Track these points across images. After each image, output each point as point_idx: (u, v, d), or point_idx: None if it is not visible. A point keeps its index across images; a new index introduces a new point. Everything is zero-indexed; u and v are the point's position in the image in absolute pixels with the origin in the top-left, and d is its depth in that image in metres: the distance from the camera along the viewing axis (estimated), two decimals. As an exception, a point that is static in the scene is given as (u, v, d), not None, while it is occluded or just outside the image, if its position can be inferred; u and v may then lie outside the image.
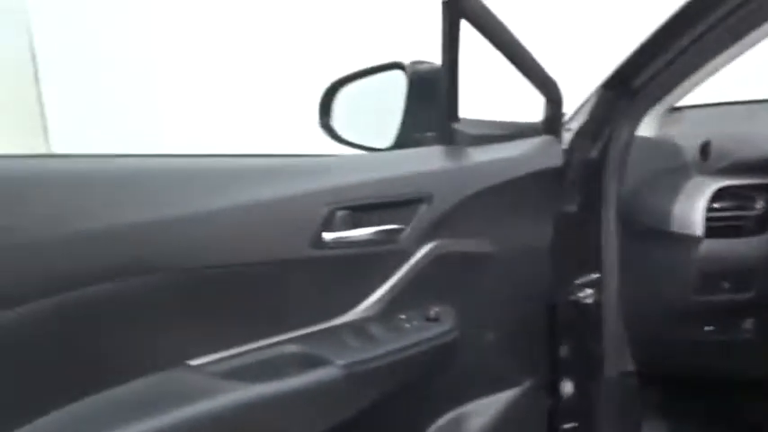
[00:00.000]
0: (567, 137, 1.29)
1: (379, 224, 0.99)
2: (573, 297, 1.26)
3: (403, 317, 1.02)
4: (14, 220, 0.75)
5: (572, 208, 1.26)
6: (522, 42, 1.06)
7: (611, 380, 1.25)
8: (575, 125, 1.29)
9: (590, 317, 1.25)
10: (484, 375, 1.16)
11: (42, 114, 3.59)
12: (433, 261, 1.04)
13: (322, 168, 0.97)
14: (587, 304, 1.24)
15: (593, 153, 1.25)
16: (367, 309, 1.01)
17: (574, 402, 1.27)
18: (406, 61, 1.17)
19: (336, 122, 1.31)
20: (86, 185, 0.82)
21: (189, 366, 0.88)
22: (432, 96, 1.11)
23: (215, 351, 0.90)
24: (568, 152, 1.27)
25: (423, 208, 1.00)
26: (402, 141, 1.18)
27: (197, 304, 0.88)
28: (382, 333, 0.98)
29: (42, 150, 3.73)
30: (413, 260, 1.03)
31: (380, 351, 0.96)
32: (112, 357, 0.83)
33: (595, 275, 1.26)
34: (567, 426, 1.27)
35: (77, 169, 0.84)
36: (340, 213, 0.95)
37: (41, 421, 0.77)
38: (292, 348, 0.94)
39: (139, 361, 0.85)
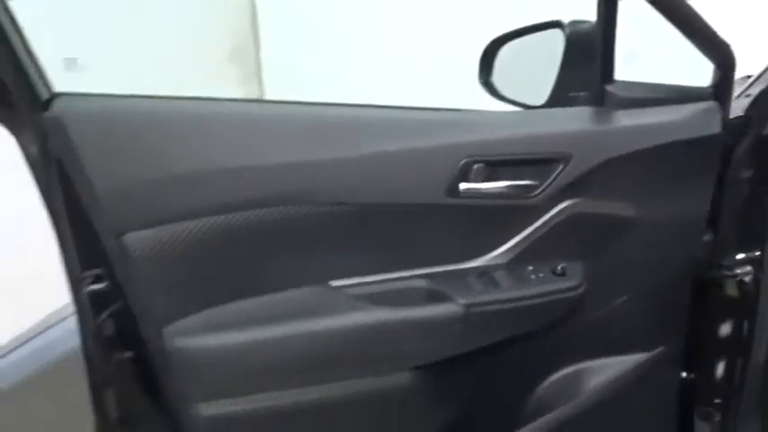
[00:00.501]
0: (745, 102, 1.21)
1: (514, 179, 1.04)
2: (729, 272, 1.20)
3: (530, 268, 1.07)
4: (214, 151, 0.94)
5: (742, 179, 1.19)
6: (687, 1, 1.02)
7: (757, 364, 1.18)
8: (755, 90, 1.20)
9: (745, 295, 1.19)
10: (610, 336, 1.17)
11: (258, 63, 4.02)
12: (567, 219, 1.06)
13: (464, 123, 1.04)
14: (744, 282, 1.18)
15: None
16: (495, 258, 1.07)
17: (712, 382, 1.23)
18: (566, 20, 1.17)
19: (496, 79, 1.35)
20: (260, 127, 0.98)
21: (330, 286, 1.02)
22: (588, 56, 1.11)
23: (353, 276, 1.03)
24: (744, 119, 1.20)
25: (560, 167, 1.03)
26: (556, 100, 1.19)
27: (343, 235, 1.01)
28: (506, 281, 1.05)
29: (257, 96, 4.20)
30: (546, 216, 1.06)
31: (501, 296, 1.02)
32: (273, 269, 1.00)
33: (757, 253, 1.19)
34: (701, 406, 1.23)
35: (258, 113, 1.00)
36: (476, 166, 1.01)
37: (218, 311, 0.97)
38: (421, 283, 1.04)
39: (293, 275, 1.01)
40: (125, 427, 1.07)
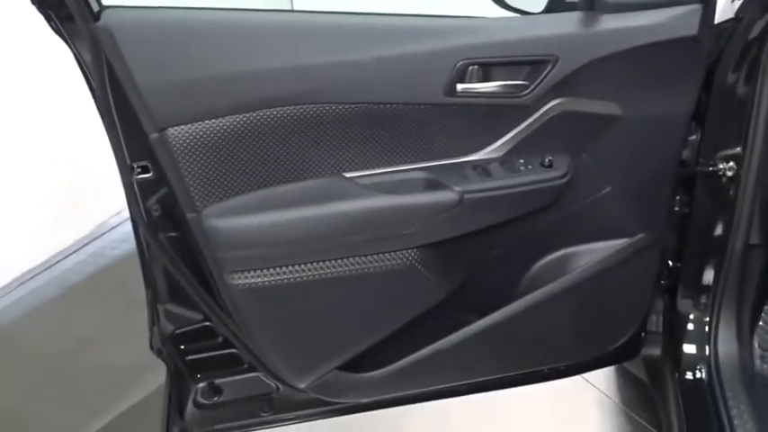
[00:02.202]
0: (737, 4, 1.27)
1: (506, 80, 1.15)
2: (713, 168, 1.30)
3: (521, 161, 1.20)
4: (239, 55, 1.07)
5: (729, 81, 1.28)
6: None
7: (737, 252, 1.30)
8: None
9: (725, 189, 1.29)
10: (596, 223, 1.31)
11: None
12: (555, 117, 1.18)
13: (460, 28, 1.14)
14: (726, 176, 1.28)
15: (760, 23, 1.23)
16: (489, 152, 1.21)
17: (693, 267, 1.36)
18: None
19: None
20: (279, 35, 1.10)
21: (344, 177, 1.18)
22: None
23: (363, 169, 1.18)
24: (733, 22, 1.27)
25: (547, 68, 1.13)
26: (553, 6, 1.28)
27: (353, 131, 1.15)
28: (499, 172, 1.18)
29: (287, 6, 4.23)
30: (535, 114, 1.18)
31: (493, 185, 1.17)
32: (293, 162, 1.15)
33: (738, 149, 1.28)
34: (685, 288, 1.37)
35: (278, 22, 1.12)
36: (472, 68, 1.13)
37: (247, 196, 1.14)
38: (422, 174, 1.19)
39: (311, 167, 1.17)
40: (173, 297, 1.27)
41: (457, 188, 1.15)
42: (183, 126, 1.06)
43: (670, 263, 1.43)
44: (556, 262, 1.34)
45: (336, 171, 1.18)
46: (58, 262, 2.89)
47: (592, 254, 1.33)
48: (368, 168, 1.19)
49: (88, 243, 3.00)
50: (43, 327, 2.44)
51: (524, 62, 1.15)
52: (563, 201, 1.25)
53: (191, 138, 1.07)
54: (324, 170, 1.17)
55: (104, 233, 3.02)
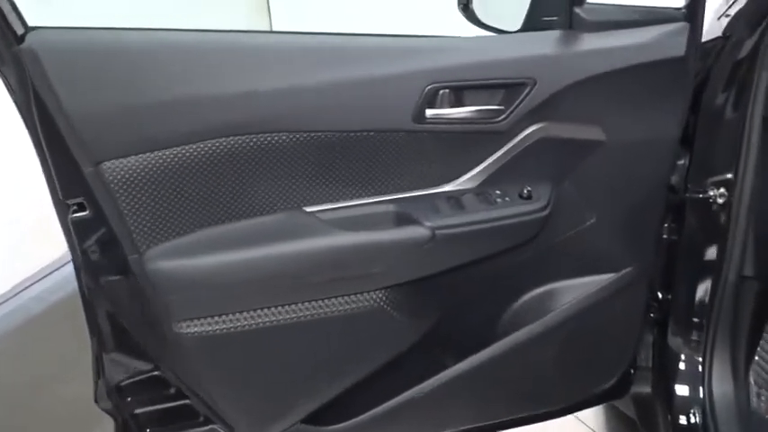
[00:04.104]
0: (724, 23, 1.20)
1: (480, 104, 1.06)
2: (703, 194, 1.22)
3: (497, 192, 1.10)
4: (185, 79, 0.96)
5: (718, 102, 1.20)
6: None
7: (729, 283, 1.22)
8: (734, 11, 1.19)
9: (716, 217, 1.21)
10: (579, 257, 1.22)
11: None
12: (534, 144, 1.09)
13: (429, 49, 1.05)
14: (717, 203, 1.20)
15: (749, 42, 1.16)
16: (463, 183, 1.11)
17: (683, 300, 1.27)
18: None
19: (476, 5, 1.34)
20: (232, 57, 1.00)
21: (304, 211, 1.07)
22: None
23: (325, 202, 1.08)
24: (721, 41, 1.19)
25: (525, 91, 1.04)
26: (530, 25, 1.19)
27: (315, 161, 1.05)
28: (473, 204, 1.09)
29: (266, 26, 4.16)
30: (512, 141, 1.09)
31: (467, 219, 1.07)
32: (249, 195, 1.05)
33: (729, 175, 1.20)
34: (675, 324, 1.28)
35: (230, 43, 1.02)
36: (442, 92, 1.04)
37: (196, 234, 1.03)
38: (390, 208, 1.09)
39: (268, 201, 1.06)
40: (119, 346, 1.16)
41: (428, 223, 1.06)
42: (121, 159, 0.95)
43: (659, 294, 1.34)
44: (538, 299, 1.24)
45: (295, 205, 1.07)
46: (22, 290, 2.75)
47: (576, 290, 1.23)
48: (330, 202, 1.08)
49: (54, 270, 2.87)
50: (3, 357, 2.30)
51: (499, 85, 1.06)
52: (544, 234, 1.15)
53: (130, 172, 0.96)
54: (281, 204, 1.07)
55: (71, 260, 2.89)
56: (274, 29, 4.19)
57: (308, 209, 1.08)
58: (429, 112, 1.04)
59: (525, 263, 1.20)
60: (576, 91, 1.06)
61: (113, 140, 0.95)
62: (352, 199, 1.09)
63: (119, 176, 0.96)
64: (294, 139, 1.02)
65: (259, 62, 1.00)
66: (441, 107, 1.05)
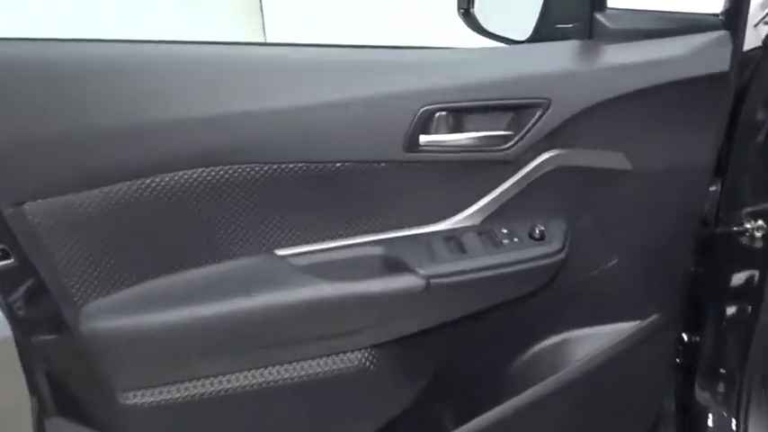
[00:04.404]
0: (763, 31, 1.03)
1: (483, 130, 0.89)
2: (738, 227, 1.05)
3: (504, 231, 0.93)
4: (137, 100, 0.80)
5: (757, 121, 1.03)
6: None
7: (765, 328, 1.05)
8: None
9: (752, 252, 1.05)
10: (598, 303, 1.05)
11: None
12: (547, 174, 0.93)
13: (423, 63, 0.88)
14: (755, 237, 1.04)
15: None
16: (464, 220, 0.94)
17: (716, 349, 1.10)
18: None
19: (478, 10, 1.18)
20: (182, 72, 0.83)
21: (275, 255, 0.90)
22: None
23: (301, 243, 0.91)
24: (762, 51, 1.03)
25: (537, 114, 0.88)
26: (542, 34, 1.03)
27: (287, 198, 0.89)
28: (476, 246, 0.92)
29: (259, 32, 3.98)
30: (522, 172, 0.92)
31: (469, 265, 0.90)
32: (206, 239, 0.88)
33: None
34: (703, 377, 1.11)
35: (179, 55, 0.86)
36: (439, 115, 0.87)
37: (143, 286, 0.86)
38: (377, 251, 0.92)
39: (230, 245, 0.89)
40: (61, 409, 0.98)
41: (422, 270, 0.89)
42: (49, 199, 0.78)
43: (685, 336, 1.17)
44: (550, 351, 1.07)
45: (265, 248, 0.90)
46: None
47: (595, 340, 1.07)
48: (306, 243, 0.92)
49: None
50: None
51: (507, 107, 0.89)
52: (558, 277, 0.98)
53: (62, 212, 0.79)
54: (248, 248, 0.90)
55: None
56: (268, 31, 4.02)
57: (281, 252, 0.91)
58: (423, 139, 0.87)
59: (536, 309, 1.03)
60: (598, 113, 0.89)
61: (39, 176, 0.78)
62: (332, 240, 0.92)
63: (47, 219, 0.79)
64: (262, 172, 0.85)
65: (219, 80, 0.83)
66: (437, 133, 0.88)
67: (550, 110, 0.88)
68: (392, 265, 0.91)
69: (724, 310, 1.10)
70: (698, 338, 1.15)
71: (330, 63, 0.87)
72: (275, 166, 0.86)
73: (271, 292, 0.88)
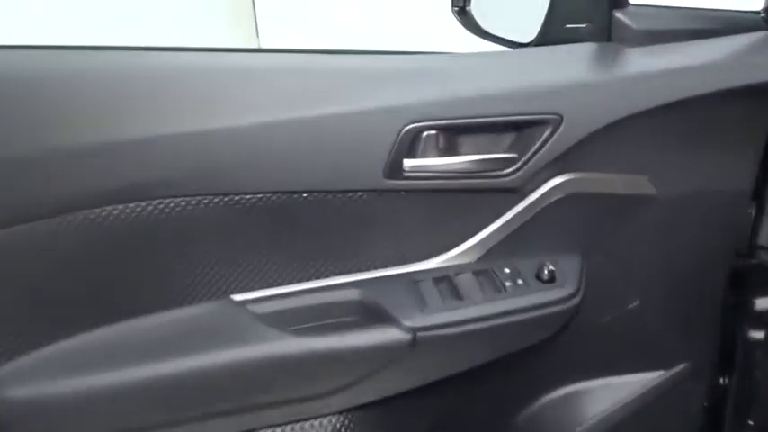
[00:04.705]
0: None
1: (481, 152, 0.74)
2: None
3: (506, 271, 0.78)
4: (54, 121, 0.65)
5: None
6: None
7: None
8: None
9: None
10: (617, 350, 0.90)
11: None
12: (558, 203, 0.77)
13: (407, 72, 0.73)
14: None
15: None
16: (458, 257, 0.79)
17: (747, 396, 0.95)
18: None
19: (475, 7, 1.02)
20: (120, 83, 0.68)
21: (232, 301, 0.75)
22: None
23: (263, 287, 0.76)
24: None
25: (546, 132, 0.73)
26: (551, 35, 0.87)
27: (246, 232, 0.73)
28: (473, 290, 0.76)
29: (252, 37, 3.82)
30: (528, 200, 0.77)
31: (466, 314, 0.75)
32: (145, 282, 0.73)
33: None
34: (732, 428, 0.96)
35: (116, 63, 0.71)
36: (426, 134, 0.72)
37: (62, 344, 0.71)
38: (353, 295, 0.76)
39: (177, 289, 0.74)
40: None
41: (407, 321, 0.73)
42: None
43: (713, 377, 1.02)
44: (561, 406, 0.92)
45: (219, 293, 0.75)
46: None
47: (612, 392, 0.92)
48: (269, 286, 0.76)
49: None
50: None
51: (510, 125, 0.74)
52: (572, 322, 0.83)
53: None
54: (199, 293, 0.74)
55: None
56: (261, 34, 3.87)
57: (238, 297, 0.76)
58: (408, 164, 0.72)
59: (544, 357, 0.88)
60: (619, 131, 0.74)
61: None
62: (299, 283, 0.77)
63: None
64: (212, 205, 0.70)
65: (157, 93, 0.68)
66: (424, 156, 0.73)
67: (562, 128, 0.72)
68: (371, 314, 0.76)
69: (758, 352, 0.95)
70: (727, 381, 1.00)
71: (293, 71, 0.72)
72: (228, 198, 0.70)
73: (226, 347, 0.73)
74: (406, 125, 0.70)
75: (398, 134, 0.70)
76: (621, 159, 0.78)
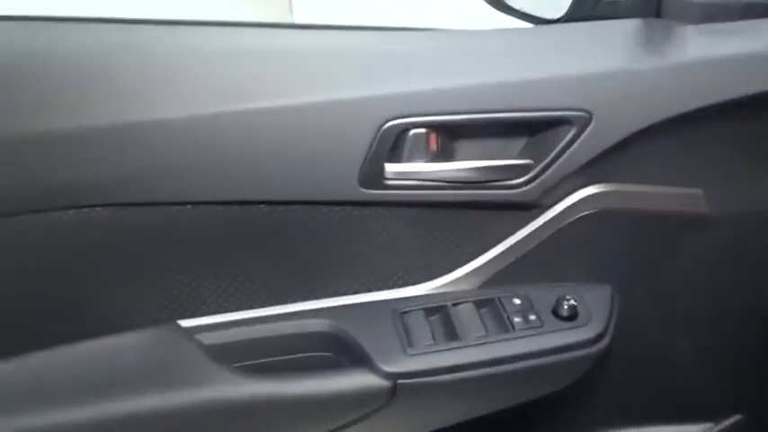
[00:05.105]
0: None
1: (486, 157, 0.59)
2: None
3: (516, 302, 0.63)
4: None
5: None
6: None
7: None
8: None
9: None
10: (655, 397, 0.74)
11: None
12: (584, 221, 0.62)
13: (391, 55, 0.58)
14: None
15: None
16: (454, 283, 0.64)
17: None
18: None
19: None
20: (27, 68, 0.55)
21: (179, 328, 0.62)
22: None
23: (215, 312, 0.63)
24: None
25: (571, 134, 0.57)
26: (584, 9, 0.71)
27: (195, 247, 0.60)
28: (473, 327, 0.62)
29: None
30: (546, 217, 0.62)
31: (461, 358, 0.60)
32: (67, 305, 0.60)
33: None
34: None
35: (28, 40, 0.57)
36: (414, 133, 0.56)
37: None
38: (321, 326, 0.62)
39: (120, 313, 0.61)
40: None
41: (386, 365, 0.59)
42: None
43: None
44: None
45: (163, 316, 0.62)
46: None
47: None
48: (223, 311, 0.63)
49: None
50: None
51: (525, 123, 0.58)
52: (602, 365, 0.67)
53: None
54: (137, 317, 0.62)
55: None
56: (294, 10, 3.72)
57: (186, 323, 0.63)
58: (390, 169, 0.57)
59: (564, 404, 0.73)
60: (665, 133, 0.58)
61: None
62: (258, 308, 0.63)
63: None
64: (160, 212, 0.57)
65: (67, 76, 0.55)
66: (411, 160, 0.58)
67: (591, 128, 0.56)
68: (342, 351, 0.62)
69: None
70: None
71: (243, 50, 0.57)
72: (170, 208, 0.57)
73: (166, 384, 0.60)
74: (388, 120, 0.55)
75: (377, 132, 0.55)
76: (667, 169, 0.62)
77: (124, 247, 0.59)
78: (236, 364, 0.62)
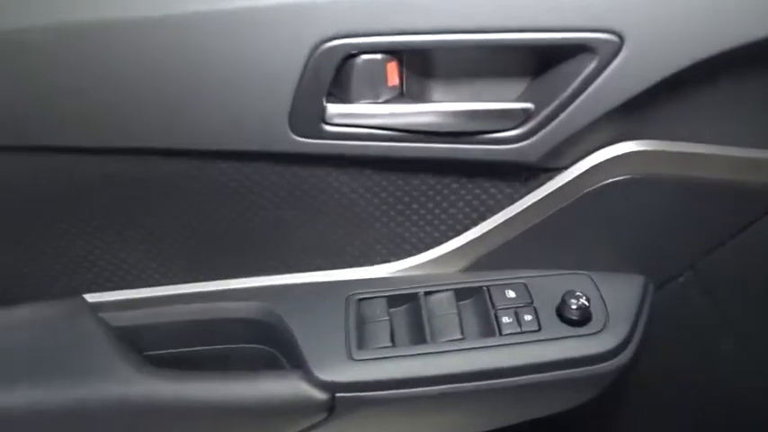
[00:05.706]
0: None
1: (470, 97, 0.42)
2: None
3: (508, 295, 0.47)
4: None
5: None
6: None
7: None
8: None
9: None
10: (697, 417, 0.58)
11: None
12: (604, 191, 0.45)
13: None
14: None
15: None
16: (430, 264, 0.49)
17: None
18: None
19: None
20: None
21: (83, 303, 0.50)
22: None
23: (126, 287, 0.50)
24: None
25: (590, 68, 0.39)
26: None
27: (96, 206, 0.47)
28: (446, 327, 0.46)
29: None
30: (553, 184, 0.45)
31: (428, 368, 0.45)
32: None
33: None
34: None
35: None
36: (366, 60, 0.40)
37: None
38: (252, 311, 0.49)
39: (11, 280, 0.50)
40: None
41: (323, 372, 0.45)
42: None
43: None
44: None
45: (68, 290, 0.50)
46: None
47: None
48: (131, 287, 0.50)
49: None
50: None
51: (526, 51, 0.41)
52: (625, 381, 0.51)
53: None
54: (40, 284, 0.50)
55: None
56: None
57: (93, 297, 0.50)
58: (333, 110, 0.41)
59: (579, 417, 0.57)
60: (727, 71, 0.40)
61: None
62: (176, 283, 0.50)
63: None
64: (54, 163, 0.44)
65: None
66: (362, 99, 0.41)
67: (621, 58, 0.39)
68: (275, 343, 0.48)
69: None
70: None
71: None
72: (65, 156, 0.44)
73: (59, 373, 0.48)
74: (324, 41, 0.39)
75: (308, 56, 0.39)
76: (729, 123, 0.44)
77: (12, 199, 0.47)
78: (148, 353, 0.49)
